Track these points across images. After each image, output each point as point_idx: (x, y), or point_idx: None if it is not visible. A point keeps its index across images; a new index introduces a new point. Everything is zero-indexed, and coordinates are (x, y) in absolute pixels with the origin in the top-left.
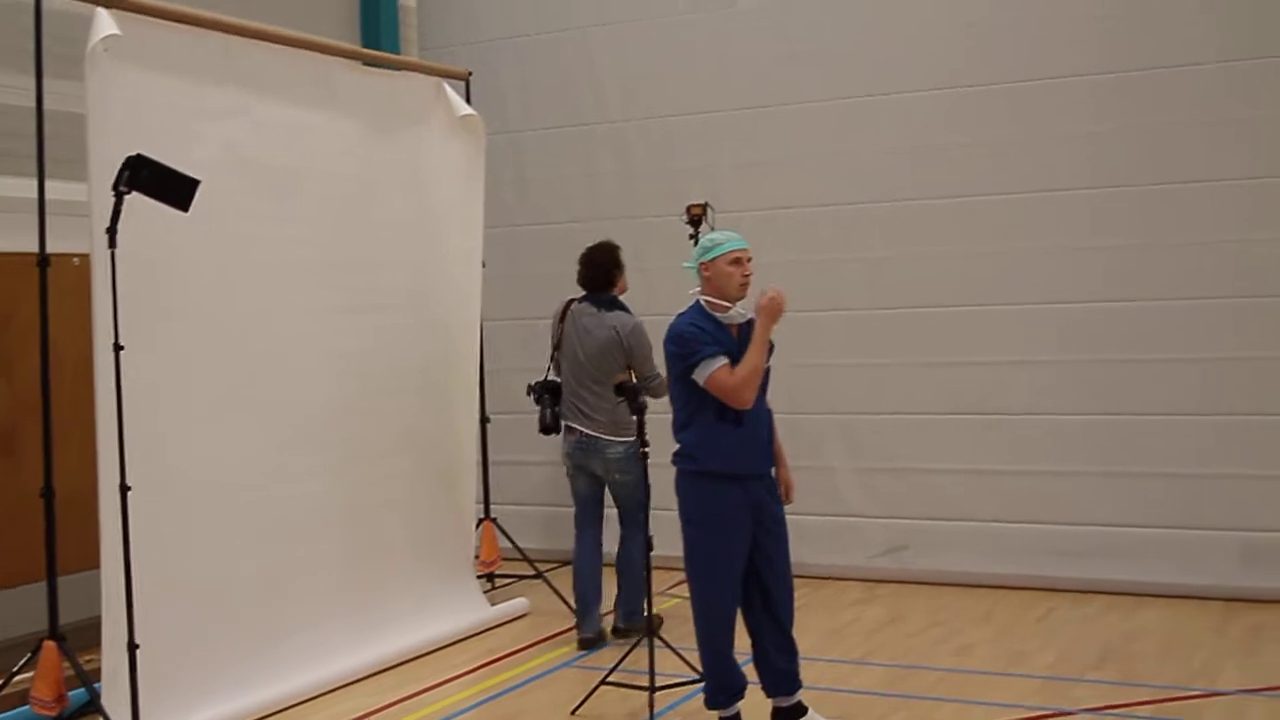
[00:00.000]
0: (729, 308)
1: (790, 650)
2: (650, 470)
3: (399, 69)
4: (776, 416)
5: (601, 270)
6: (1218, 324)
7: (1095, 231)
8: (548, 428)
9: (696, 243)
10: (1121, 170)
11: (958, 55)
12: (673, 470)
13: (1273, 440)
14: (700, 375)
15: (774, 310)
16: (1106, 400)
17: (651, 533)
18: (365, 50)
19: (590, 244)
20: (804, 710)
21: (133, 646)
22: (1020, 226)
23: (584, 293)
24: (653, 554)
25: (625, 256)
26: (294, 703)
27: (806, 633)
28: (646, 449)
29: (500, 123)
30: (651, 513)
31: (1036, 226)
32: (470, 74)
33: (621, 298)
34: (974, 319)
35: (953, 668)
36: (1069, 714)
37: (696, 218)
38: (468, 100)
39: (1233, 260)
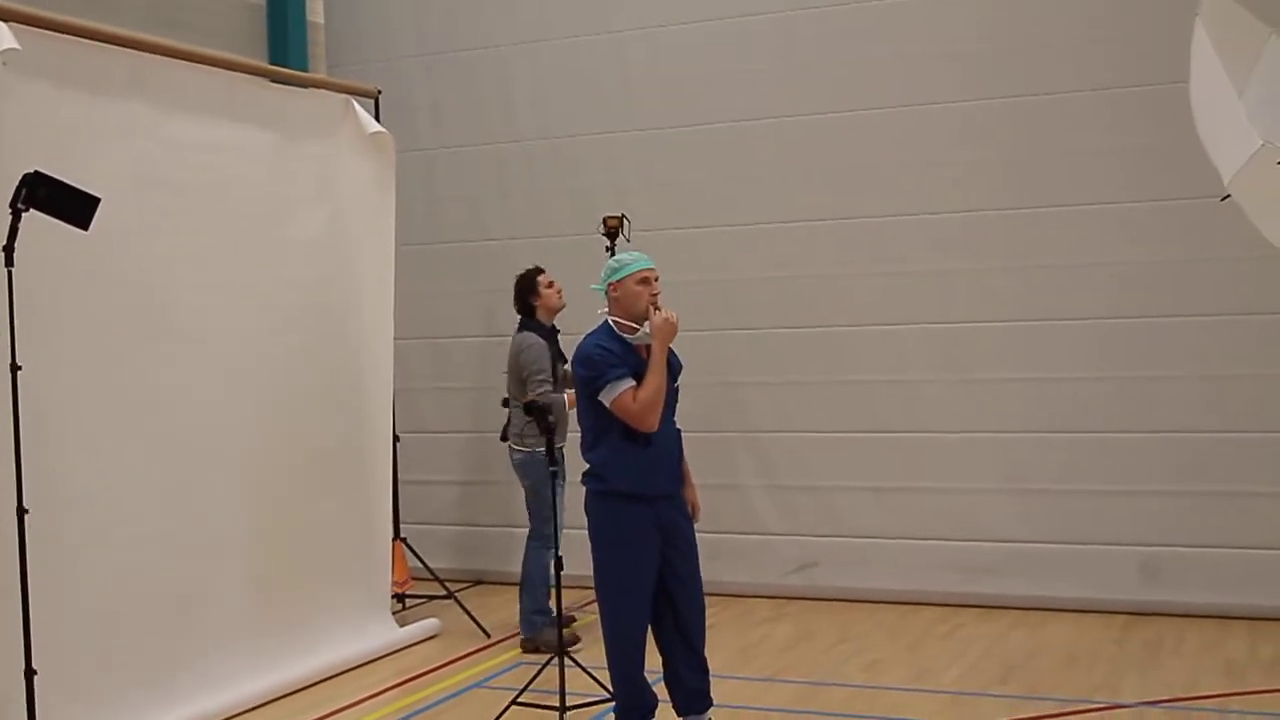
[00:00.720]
0: (637, 328)
1: (701, 669)
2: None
3: (307, 86)
4: (688, 435)
5: (517, 294)
6: (1117, 344)
7: (1001, 252)
8: None
9: (613, 255)
10: (1016, 192)
11: (864, 78)
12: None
13: (1169, 456)
14: (606, 397)
15: (669, 332)
16: (1010, 418)
17: (561, 552)
18: (273, 67)
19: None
20: None
21: (30, 673)
22: (928, 247)
23: None
24: (564, 573)
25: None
26: None
27: (718, 651)
28: (555, 469)
29: (411, 140)
30: (563, 532)
31: (946, 247)
32: (380, 91)
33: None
34: (883, 338)
35: (862, 684)
36: None
37: (613, 230)
38: (377, 118)
39: (1118, 282)
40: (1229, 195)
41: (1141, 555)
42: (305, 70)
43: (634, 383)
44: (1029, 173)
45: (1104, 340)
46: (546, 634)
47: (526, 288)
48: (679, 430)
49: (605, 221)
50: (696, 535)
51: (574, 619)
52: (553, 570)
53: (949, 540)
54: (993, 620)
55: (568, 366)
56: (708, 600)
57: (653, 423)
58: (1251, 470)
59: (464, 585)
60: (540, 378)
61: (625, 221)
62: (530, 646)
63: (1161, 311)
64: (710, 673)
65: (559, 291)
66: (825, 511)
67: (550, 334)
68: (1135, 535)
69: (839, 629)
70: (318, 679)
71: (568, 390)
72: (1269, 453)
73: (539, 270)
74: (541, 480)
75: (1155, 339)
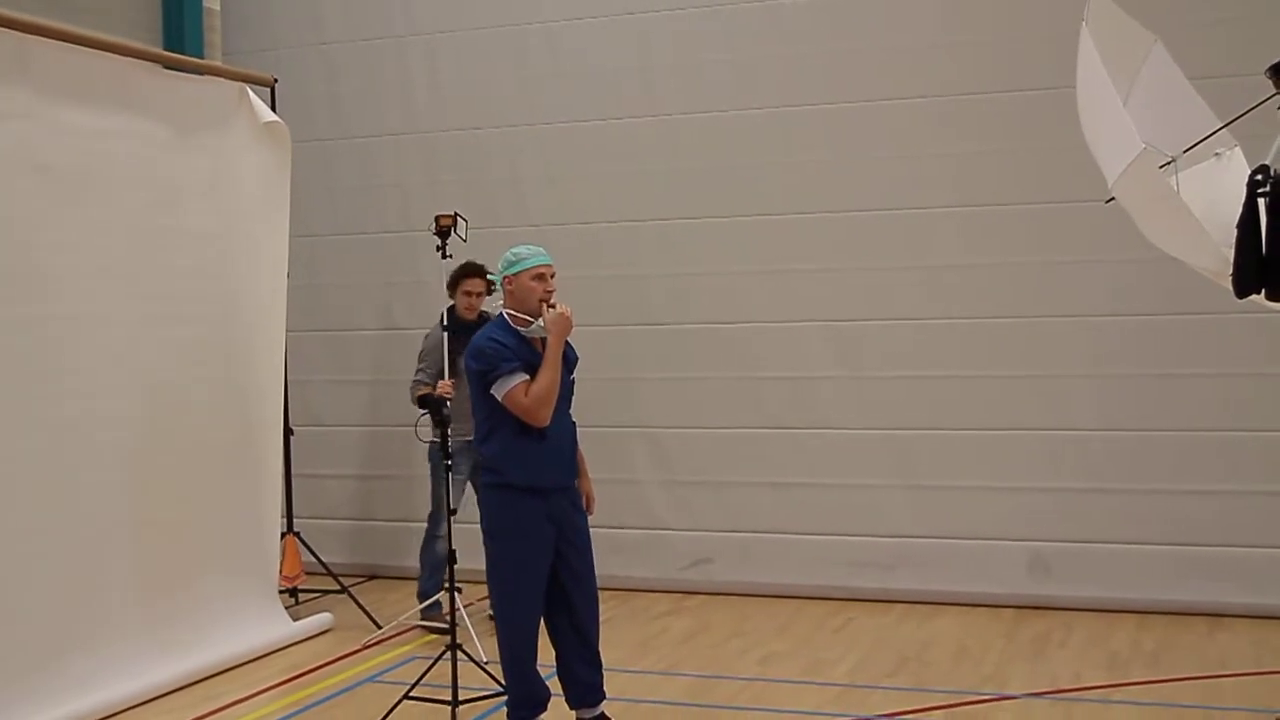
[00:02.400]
0: (532, 322)
1: (594, 662)
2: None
3: (202, 73)
4: (586, 429)
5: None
6: (1007, 342)
7: (897, 252)
8: None
9: (444, 254)
10: (910, 192)
11: (758, 76)
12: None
13: (1057, 453)
14: (499, 391)
15: (563, 326)
16: (903, 415)
17: (454, 546)
18: (167, 53)
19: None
20: None
21: None
22: (826, 246)
23: None
24: (458, 566)
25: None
26: None
27: (615, 645)
28: (450, 463)
29: (308, 130)
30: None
31: (842, 246)
32: (276, 80)
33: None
34: (780, 335)
35: (755, 677)
36: None
37: (445, 229)
38: (273, 107)
39: (1010, 282)
40: (1113, 198)
41: (1030, 550)
42: (200, 57)
43: (527, 377)
44: (920, 173)
45: (995, 338)
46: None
47: (448, 283)
48: (574, 423)
49: (437, 220)
50: (594, 529)
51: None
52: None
53: (843, 535)
54: (884, 614)
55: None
56: (605, 594)
57: (545, 417)
58: (1137, 466)
59: (358, 579)
60: (419, 365)
61: (458, 220)
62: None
63: (1051, 311)
64: (604, 666)
65: (470, 306)
66: (721, 506)
67: (465, 328)
68: (1024, 531)
69: (734, 623)
70: (208, 674)
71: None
72: (1153, 450)
73: (469, 272)
74: (435, 472)
75: (1043, 337)
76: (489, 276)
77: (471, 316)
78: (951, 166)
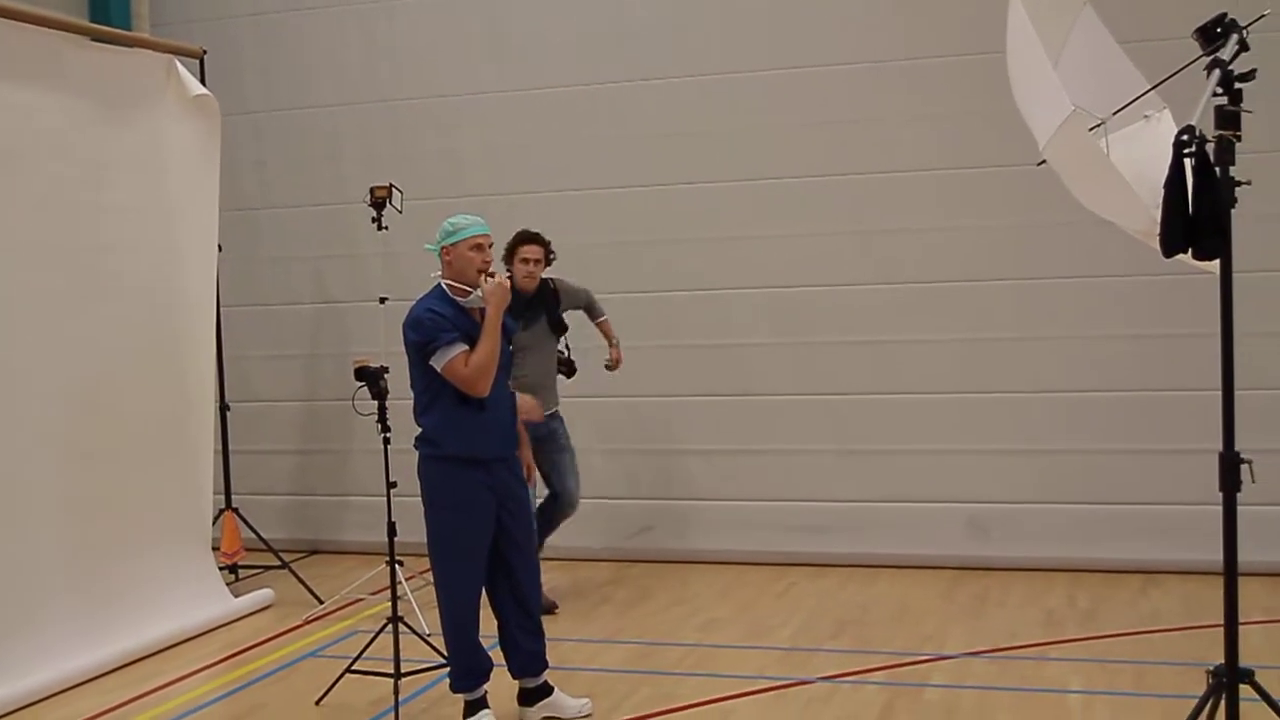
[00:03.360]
0: (470, 292)
1: (536, 631)
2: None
3: (129, 46)
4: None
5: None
6: (943, 306)
7: (830, 216)
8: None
9: (379, 226)
10: (842, 157)
11: (687, 43)
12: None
13: (994, 415)
14: (438, 363)
15: (501, 296)
16: (840, 380)
17: (394, 518)
18: (93, 25)
19: None
20: (550, 690)
21: None
22: (758, 212)
23: None
24: (397, 539)
25: (369, 244)
26: (22, 704)
27: (558, 614)
28: (388, 435)
29: (238, 103)
30: (394, 499)
31: (775, 211)
32: (205, 52)
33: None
34: (715, 302)
35: (697, 643)
36: (807, 682)
37: (381, 200)
38: (202, 80)
39: (945, 245)
40: (1044, 161)
41: (969, 512)
42: (127, 29)
43: (466, 347)
44: (853, 139)
45: (930, 302)
46: None
47: (507, 250)
48: (513, 393)
49: (372, 192)
50: (536, 500)
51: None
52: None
53: (783, 500)
54: (825, 577)
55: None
56: (547, 564)
57: (484, 388)
58: (1070, 428)
59: (299, 555)
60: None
61: (394, 191)
62: None
63: (983, 275)
64: (546, 635)
65: (530, 275)
66: (662, 475)
67: (523, 300)
68: (962, 493)
69: (676, 590)
70: (146, 654)
71: None
72: (1085, 411)
73: (526, 239)
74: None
75: (976, 302)
76: (427, 247)
77: (531, 286)
78: (886, 132)
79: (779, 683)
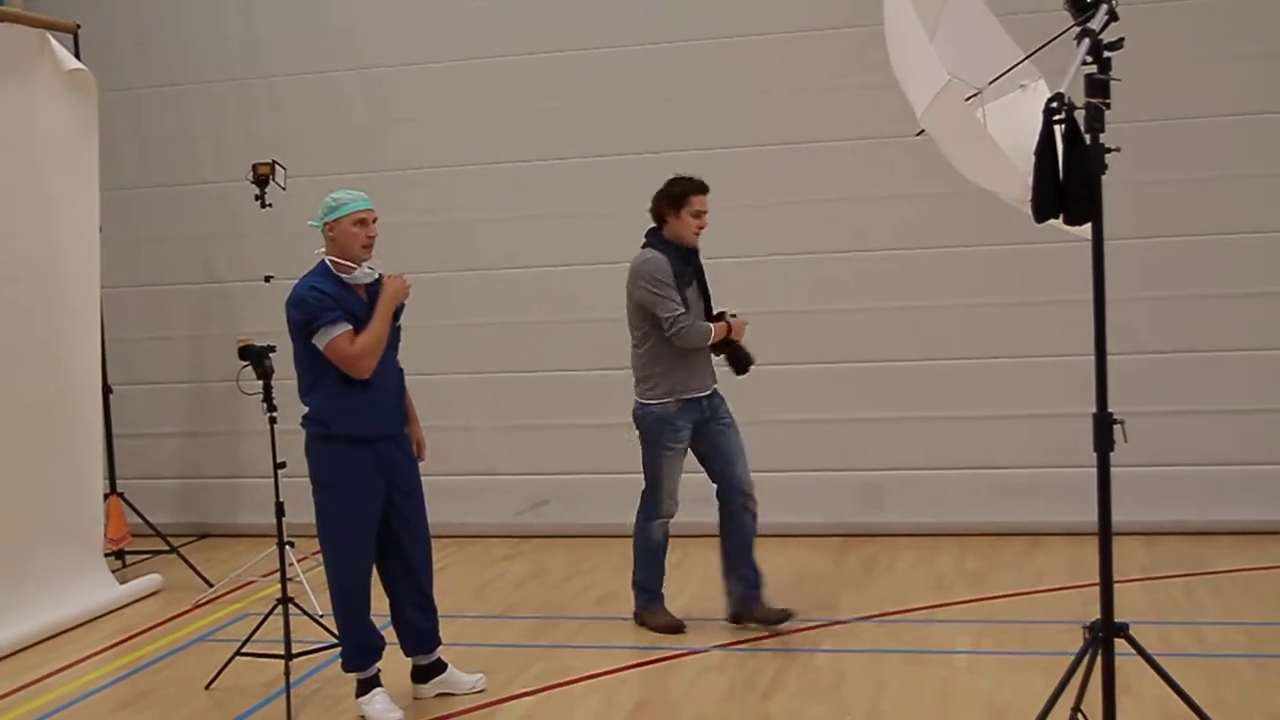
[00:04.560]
0: (354, 268)
1: (429, 609)
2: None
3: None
4: (415, 377)
5: (653, 208)
6: (831, 278)
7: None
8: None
9: (263, 204)
10: (715, 132)
11: (596, 17)
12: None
13: (886, 383)
14: (320, 341)
15: (398, 297)
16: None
17: (282, 498)
18: None
19: None
20: (444, 667)
21: None
22: (647, 186)
23: None
24: (285, 520)
25: (253, 222)
26: None
27: (451, 591)
28: (274, 415)
29: (117, 79)
30: (283, 479)
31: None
32: (79, 26)
33: None
34: (606, 276)
35: (593, 615)
36: (701, 651)
37: (263, 177)
38: (77, 54)
39: (824, 218)
40: (923, 131)
41: (860, 480)
42: None
43: (349, 326)
44: (753, 112)
45: (821, 274)
46: (657, 616)
47: (660, 195)
48: (401, 370)
49: (255, 169)
50: (428, 477)
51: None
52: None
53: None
54: (718, 548)
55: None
56: (441, 541)
57: (367, 369)
58: (957, 395)
59: (188, 539)
60: (669, 299)
61: (277, 168)
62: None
63: (872, 246)
64: (439, 612)
65: (702, 228)
66: (556, 449)
67: (685, 256)
68: (853, 460)
69: (572, 564)
70: (31, 641)
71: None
72: (976, 377)
73: (698, 188)
74: (655, 438)
75: (865, 272)
76: (310, 224)
77: (696, 242)
78: (785, 104)
79: (672, 653)
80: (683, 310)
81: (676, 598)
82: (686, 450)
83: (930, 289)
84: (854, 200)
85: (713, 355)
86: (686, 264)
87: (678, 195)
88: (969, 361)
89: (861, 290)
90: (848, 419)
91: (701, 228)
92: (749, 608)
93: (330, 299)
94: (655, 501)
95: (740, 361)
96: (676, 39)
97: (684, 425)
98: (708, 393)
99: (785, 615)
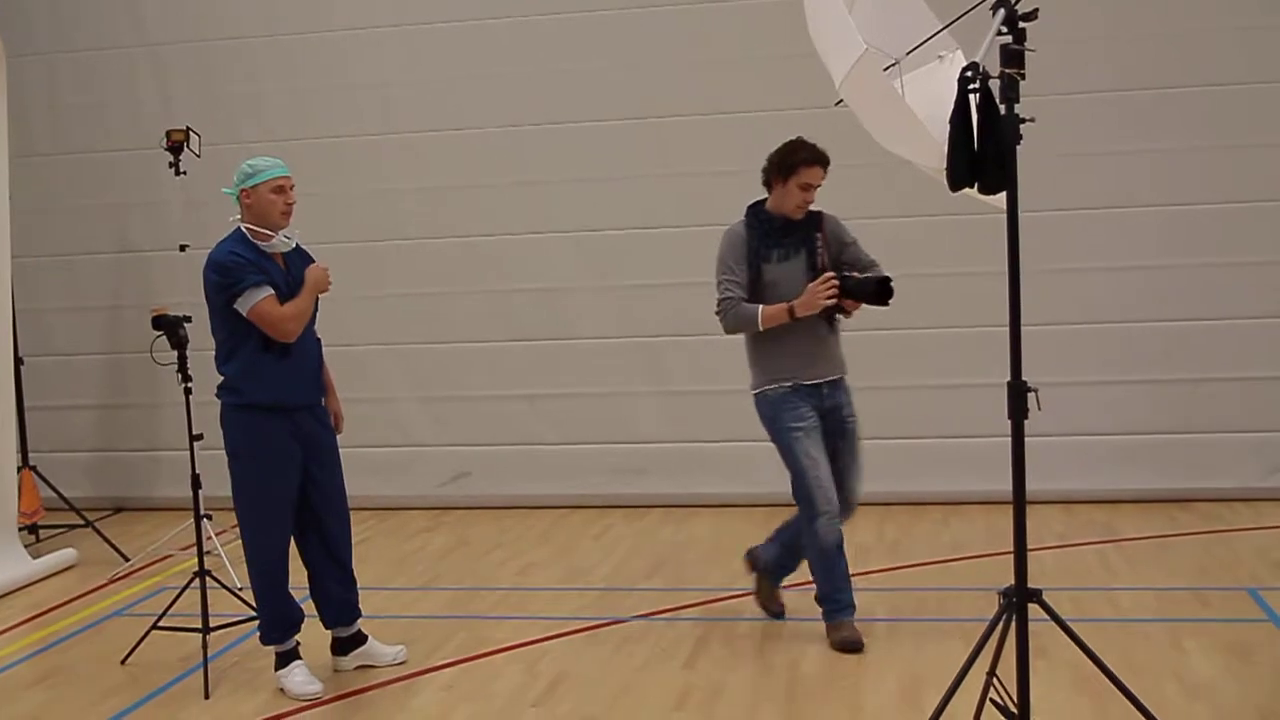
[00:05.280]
0: (272, 236)
1: (348, 581)
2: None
3: None
4: (335, 348)
5: (763, 172)
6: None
7: (640, 160)
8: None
9: (178, 171)
10: (643, 101)
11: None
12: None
13: None
14: (244, 305)
15: (321, 288)
16: (654, 323)
17: (199, 470)
18: None
19: None
20: (364, 639)
21: None
22: (568, 156)
23: None
24: (203, 492)
25: (168, 190)
26: None
27: (372, 563)
28: (189, 385)
29: (26, 43)
30: (199, 452)
31: (584, 155)
32: None
33: None
34: (529, 246)
35: (514, 586)
36: (622, 621)
37: (178, 145)
38: None
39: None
40: (841, 100)
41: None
42: None
43: (271, 291)
44: (668, 83)
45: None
46: (843, 629)
47: (769, 164)
48: (319, 340)
49: (169, 136)
50: (349, 449)
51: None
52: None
53: (600, 443)
54: (643, 518)
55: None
56: (362, 514)
57: (293, 332)
58: (874, 363)
59: (104, 513)
60: (724, 277)
61: (191, 135)
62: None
63: None
64: (361, 584)
65: (807, 203)
66: (478, 420)
67: (785, 227)
68: None
69: (494, 536)
70: None
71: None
72: (895, 348)
73: (814, 158)
74: (774, 426)
75: None
76: (225, 191)
77: (799, 215)
78: (699, 77)
79: (594, 623)
80: (732, 294)
81: (599, 567)
82: (819, 428)
83: None
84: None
85: (835, 320)
86: (785, 235)
87: (789, 165)
88: (887, 332)
89: None
90: None
91: (808, 202)
92: (766, 576)
93: (252, 264)
94: (807, 498)
95: (871, 299)
96: (600, 8)
97: (800, 403)
98: (827, 379)
99: (780, 612)
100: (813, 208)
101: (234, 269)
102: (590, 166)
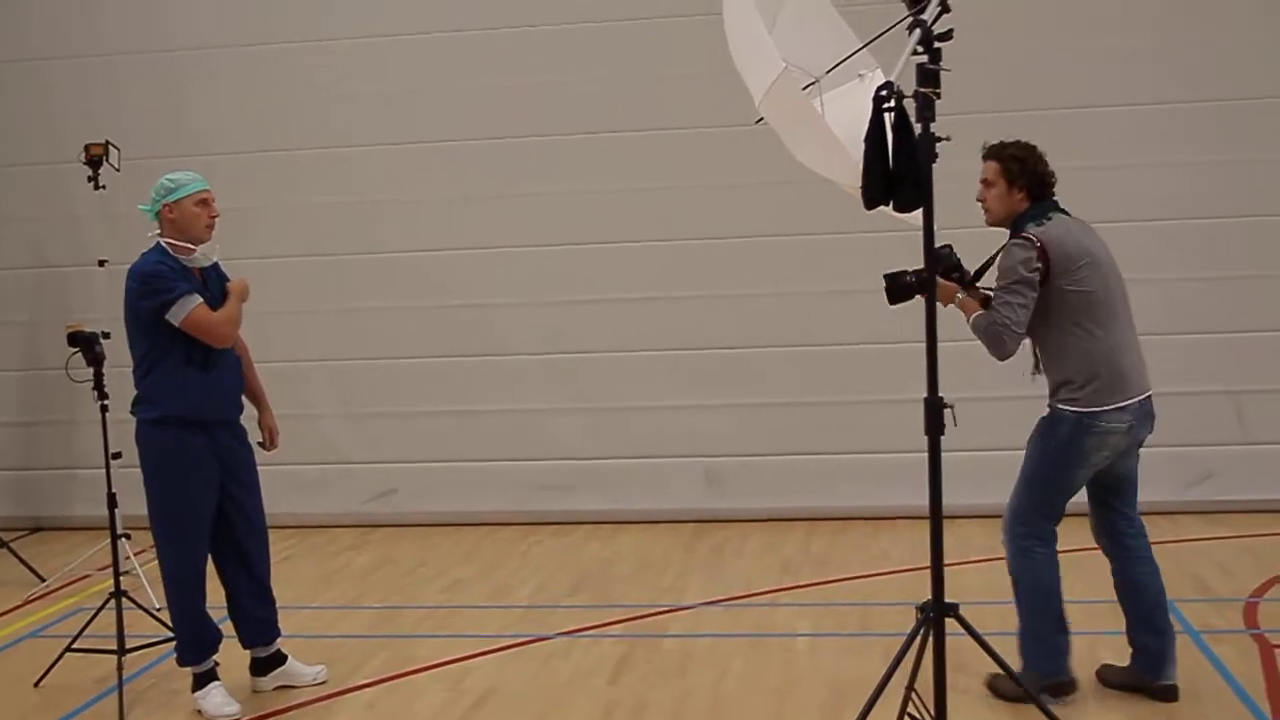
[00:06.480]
0: (193, 250)
1: (267, 599)
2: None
3: None
4: (261, 364)
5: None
6: (671, 265)
7: (570, 176)
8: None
9: (96, 185)
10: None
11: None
12: None
13: (727, 371)
14: (178, 314)
15: (246, 295)
16: (581, 339)
17: (117, 489)
18: None
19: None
20: (283, 659)
21: None
22: (497, 170)
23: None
24: (121, 511)
25: (87, 204)
26: None
27: (295, 581)
28: (105, 402)
29: None
30: (117, 470)
31: (518, 170)
32: None
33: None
34: (453, 262)
35: (440, 604)
36: (546, 638)
37: (96, 158)
38: None
39: (689, 203)
40: (762, 118)
41: (706, 466)
42: None
43: (201, 300)
44: (573, 98)
45: (663, 261)
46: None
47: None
48: (238, 358)
49: (87, 149)
50: (274, 466)
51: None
52: None
53: (527, 460)
54: (569, 535)
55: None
56: (285, 532)
57: (230, 336)
58: (801, 381)
59: (20, 533)
60: (1011, 298)
61: (110, 148)
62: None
63: (709, 234)
64: (283, 604)
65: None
66: (405, 437)
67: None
68: (700, 447)
69: (420, 553)
70: None
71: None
72: (821, 363)
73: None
74: (1052, 452)
75: (702, 259)
76: (141, 207)
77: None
78: (626, 91)
79: (518, 640)
80: None
81: (525, 585)
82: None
83: (776, 277)
84: (697, 189)
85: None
86: None
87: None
88: (815, 348)
89: (707, 278)
90: (693, 405)
91: (981, 199)
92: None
93: (180, 274)
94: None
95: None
96: (510, 24)
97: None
98: None
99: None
100: None
101: (164, 277)
102: (516, 183)
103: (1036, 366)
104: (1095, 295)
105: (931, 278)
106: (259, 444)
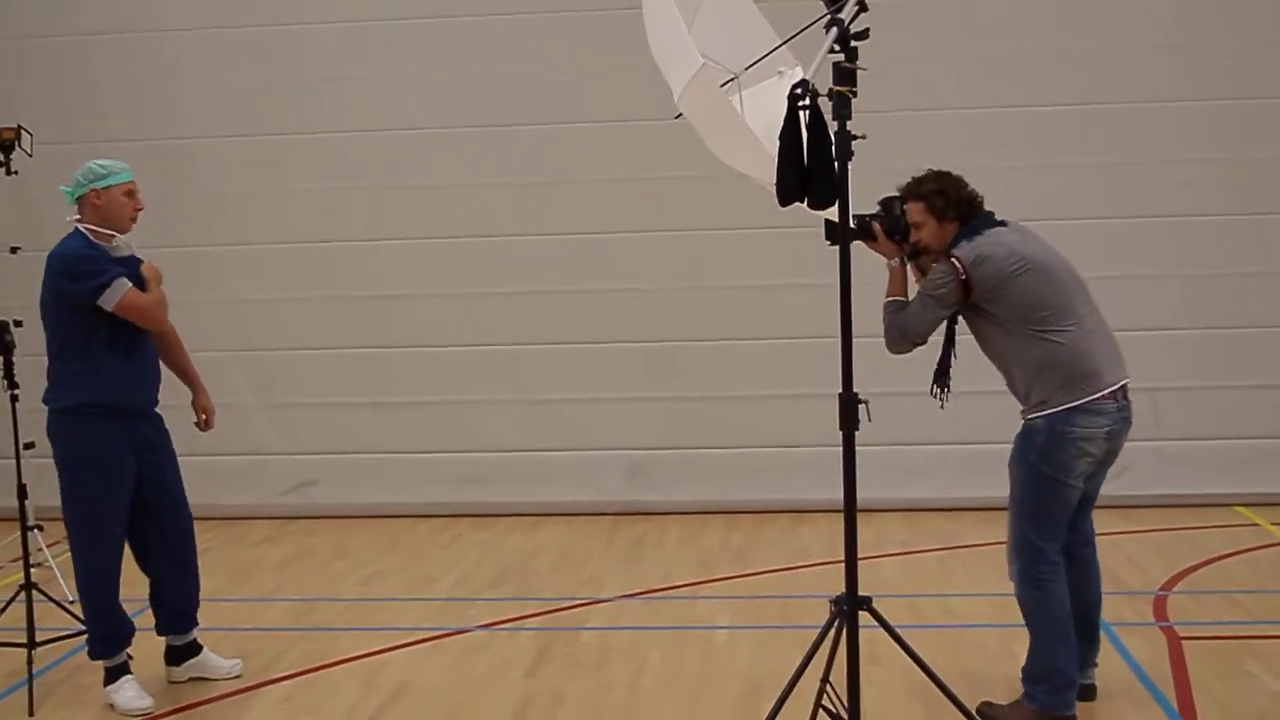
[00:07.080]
0: (114, 238)
1: (192, 586)
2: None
3: None
4: None
5: None
6: (605, 258)
7: (494, 168)
8: None
9: (8, 171)
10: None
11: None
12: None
13: (653, 363)
14: (110, 298)
15: (161, 281)
16: (508, 331)
17: (28, 480)
18: None
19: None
20: (199, 649)
21: None
22: (419, 160)
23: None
24: (33, 503)
25: None
26: None
27: (212, 573)
28: (15, 392)
29: None
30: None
31: (439, 161)
32: None
33: None
34: (375, 252)
35: (358, 597)
36: (465, 631)
37: (8, 143)
38: None
39: (626, 197)
40: (681, 114)
41: (628, 459)
42: None
43: (131, 284)
44: (501, 90)
45: (591, 253)
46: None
47: None
48: (156, 350)
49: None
50: (191, 456)
51: None
52: None
53: (449, 452)
54: (491, 527)
55: None
56: (202, 523)
57: (163, 318)
58: (726, 374)
59: None
60: None
61: (23, 133)
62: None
63: (643, 226)
64: (198, 593)
65: None
66: (324, 428)
67: None
68: (622, 439)
69: (338, 545)
70: None
71: None
72: (743, 358)
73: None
74: (1034, 465)
75: (635, 251)
76: (63, 189)
77: None
78: (524, 86)
79: (437, 633)
80: None
81: (444, 577)
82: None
83: (698, 271)
84: (624, 181)
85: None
86: None
87: None
88: (736, 342)
89: (630, 271)
90: (615, 398)
91: (916, 240)
92: None
93: (107, 259)
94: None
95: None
96: (435, 14)
97: None
98: None
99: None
100: None
101: (94, 261)
102: (437, 173)
103: (937, 383)
104: (1042, 298)
105: (848, 233)
106: (195, 424)
